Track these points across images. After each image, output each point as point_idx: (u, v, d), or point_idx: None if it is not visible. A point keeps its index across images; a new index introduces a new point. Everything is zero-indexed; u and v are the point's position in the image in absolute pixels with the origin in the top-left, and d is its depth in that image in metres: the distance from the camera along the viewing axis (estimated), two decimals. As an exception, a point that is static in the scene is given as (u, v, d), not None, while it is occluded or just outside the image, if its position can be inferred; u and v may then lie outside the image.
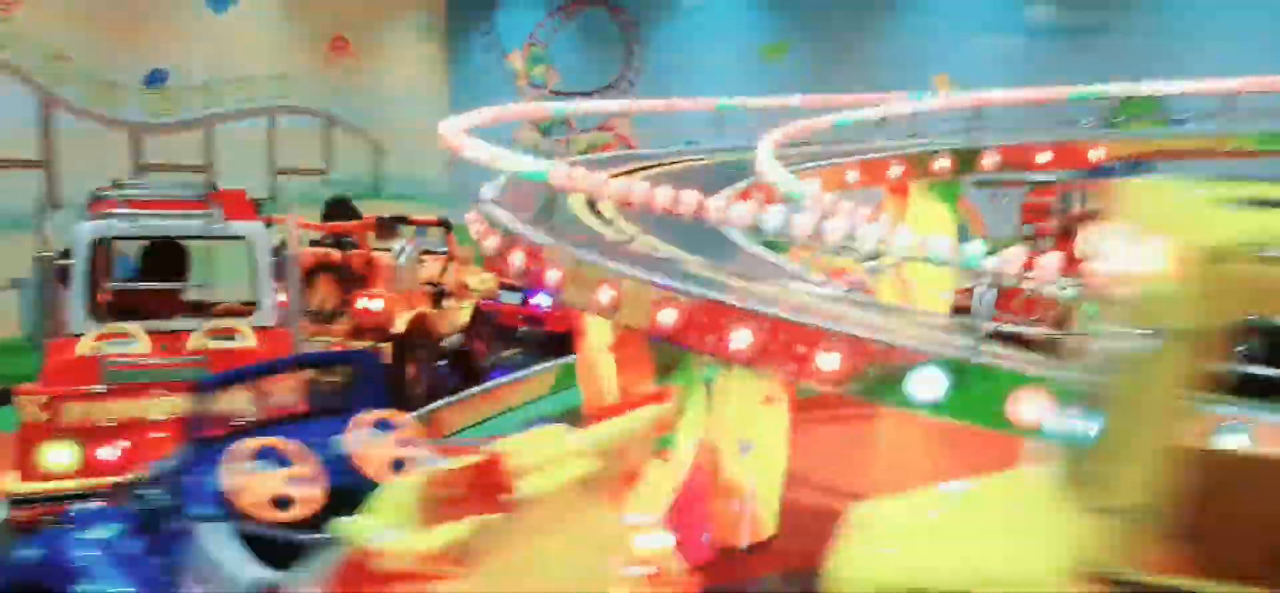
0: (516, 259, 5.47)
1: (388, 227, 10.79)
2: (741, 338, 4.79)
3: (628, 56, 17.56)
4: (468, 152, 6.28)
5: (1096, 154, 10.46)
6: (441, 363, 10.31)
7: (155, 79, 13.98)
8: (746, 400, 5.88)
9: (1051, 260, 4.45)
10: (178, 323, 6.09)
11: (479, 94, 16.37)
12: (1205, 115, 10.35)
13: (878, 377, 4.57)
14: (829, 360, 4.63)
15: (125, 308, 6.36)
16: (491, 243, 5.89)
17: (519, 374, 10.17)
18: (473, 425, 8.81)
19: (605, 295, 5.07)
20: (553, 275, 5.18)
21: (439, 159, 15.53)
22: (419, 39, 18.09)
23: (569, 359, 9.59)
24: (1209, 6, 13.35)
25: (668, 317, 4.93)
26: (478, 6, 18.31)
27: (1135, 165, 11.17)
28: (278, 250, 6.25)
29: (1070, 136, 10.58)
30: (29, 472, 5.34)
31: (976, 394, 4.42)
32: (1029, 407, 4.35)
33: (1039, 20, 14.50)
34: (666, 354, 5.33)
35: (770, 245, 5.98)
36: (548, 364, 10.44)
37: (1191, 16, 13.39)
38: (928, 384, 4.47)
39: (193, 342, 5.79)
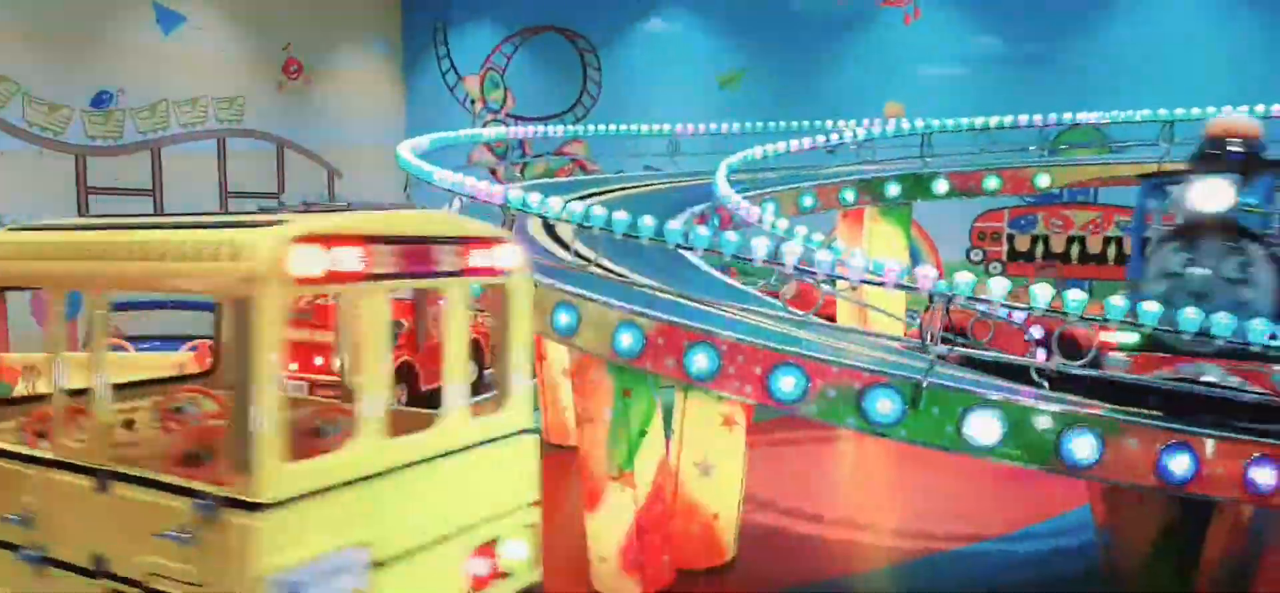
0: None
1: None
2: (700, 360, 4.83)
3: (585, 82, 17.64)
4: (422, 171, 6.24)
5: (1042, 180, 10.75)
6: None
7: (101, 100, 13.68)
8: (705, 423, 5.90)
9: (1001, 284, 4.56)
10: None
11: (435, 118, 16.31)
12: (1143, 143, 10.70)
13: (835, 398, 4.64)
14: (787, 382, 4.68)
15: None
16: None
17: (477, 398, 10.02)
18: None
19: (563, 319, 5.07)
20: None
21: (395, 182, 15.42)
22: (375, 62, 17.98)
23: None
24: (1146, 39, 13.82)
25: (627, 340, 4.95)
26: (434, 31, 18.27)
27: (1080, 191, 11.50)
28: None
29: (1018, 163, 10.86)
30: None
31: (930, 416, 4.51)
32: (983, 428, 4.45)
33: (986, 51, 14.89)
34: (627, 377, 5.33)
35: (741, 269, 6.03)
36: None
37: (1130, 48, 13.84)
38: (884, 405, 4.54)
39: None
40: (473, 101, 18.29)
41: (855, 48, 15.70)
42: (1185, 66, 12.95)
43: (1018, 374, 4.81)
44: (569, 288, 5.07)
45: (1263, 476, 4.25)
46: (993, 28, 14.58)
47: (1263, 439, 4.31)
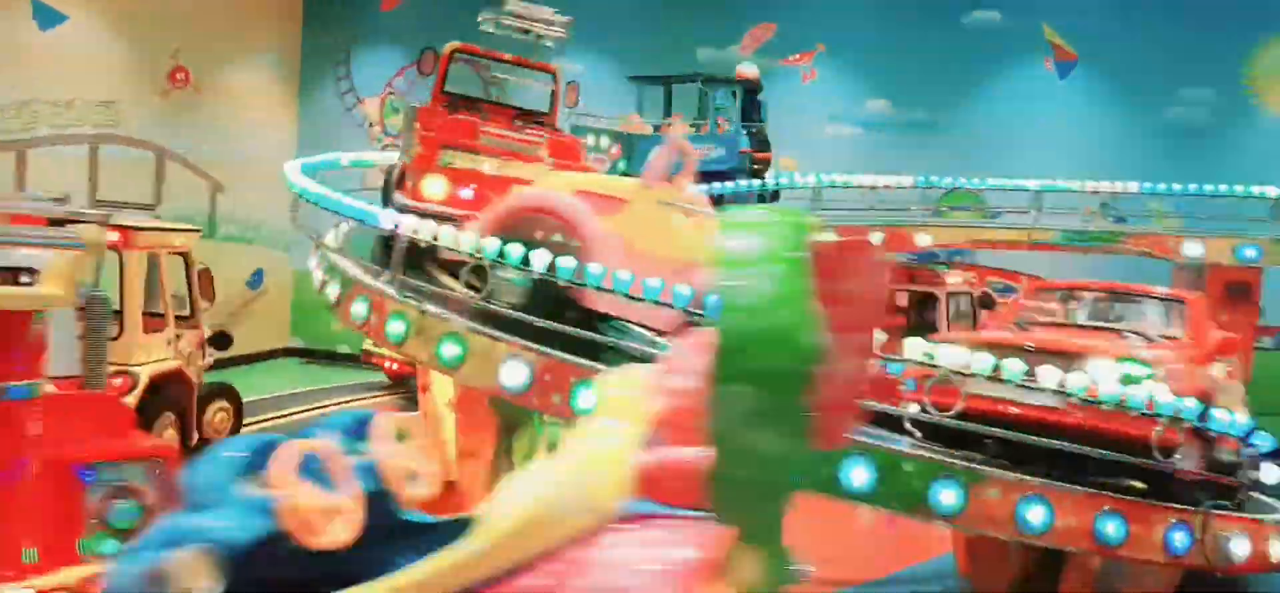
0: (359, 309, 5.30)
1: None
2: (587, 398, 4.81)
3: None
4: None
5: (923, 240, 11.27)
6: None
7: (-37, 97, 12.80)
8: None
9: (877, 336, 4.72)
10: None
11: (329, 138, 15.88)
12: (1016, 210, 11.37)
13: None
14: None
15: None
16: (333, 290, 5.69)
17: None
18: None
19: (449, 350, 4.99)
20: (396, 328, 5.05)
21: (283, 201, 14.90)
22: (269, 78, 17.41)
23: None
24: (1024, 111, 14.72)
25: (514, 374, 4.89)
26: (334, 50, 17.84)
27: (955, 252, 12.11)
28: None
29: (901, 222, 11.34)
30: None
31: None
32: (856, 475, 4.58)
33: (877, 114, 15.54)
34: (511, 412, 5.27)
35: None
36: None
37: (1009, 119, 14.68)
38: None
39: None
40: (370, 125, 17.92)
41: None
42: (1055, 142, 13.84)
43: (894, 423, 4.98)
44: (456, 319, 5.00)
45: (1112, 528, 4.52)
46: (884, 92, 15.25)
47: (1113, 493, 4.60)
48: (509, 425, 5.55)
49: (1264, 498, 5.23)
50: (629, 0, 17.43)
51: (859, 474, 4.53)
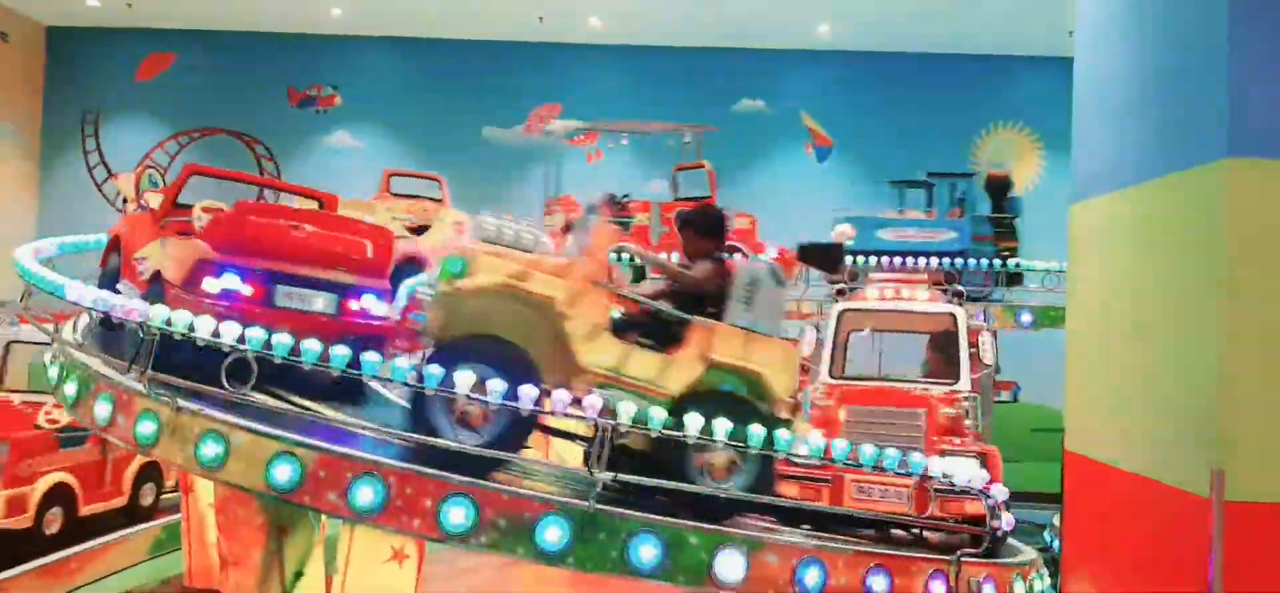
0: (102, 410, 4.76)
1: None
2: (365, 494, 4.56)
3: (261, 191, 16.63)
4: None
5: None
6: None
7: None
8: (373, 558, 5.55)
9: (659, 413, 4.82)
10: None
11: (77, 216, 14.46)
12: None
13: (506, 528, 4.58)
14: (457, 514, 4.56)
15: None
16: (71, 388, 5.08)
17: (107, 537, 8.69)
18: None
19: (210, 450, 4.57)
20: (147, 427, 4.57)
21: (15, 287, 13.30)
22: (2, 151, 15.62)
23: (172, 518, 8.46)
24: (782, 190, 15.89)
25: (284, 473, 4.55)
26: (83, 119, 16.31)
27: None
28: None
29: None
30: None
31: (598, 542, 4.61)
32: (645, 552, 4.62)
33: (659, 193, 16.27)
34: (282, 513, 4.90)
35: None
36: (146, 525, 9.10)
37: (769, 197, 15.76)
38: (553, 534, 4.57)
39: None
40: (125, 201, 16.44)
41: (539, 178, 16.41)
42: (805, 211, 14.99)
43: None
44: (217, 415, 4.60)
45: (880, 583, 4.81)
46: (663, 172, 15.98)
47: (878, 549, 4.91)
48: (280, 526, 5.15)
49: (1014, 542, 5.78)
50: (411, 80, 17.28)
51: (649, 551, 4.58)
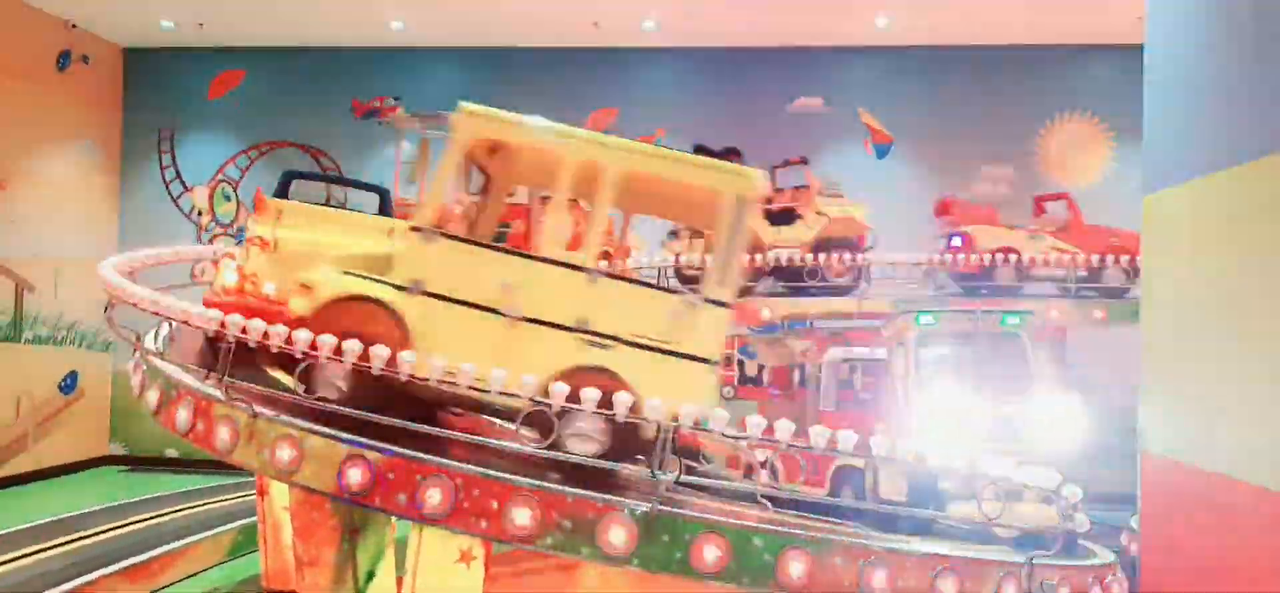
0: (182, 415, 4.95)
1: None
2: (433, 496, 4.66)
3: (327, 199, 17.04)
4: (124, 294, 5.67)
5: (764, 313, 11.80)
6: None
7: None
8: (441, 560, 5.65)
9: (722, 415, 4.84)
10: None
11: (155, 230, 15.02)
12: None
13: (570, 530, 4.63)
14: (521, 515, 4.63)
15: None
16: (153, 396, 5.29)
17: (190, 539, 9.01)
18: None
19: (285, 454, 4.72)
20: (224, 434, 4.74)
21: (99, 300, 13.88)
22: (85, 167, 16.29)
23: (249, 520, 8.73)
24: (849, 192, 15.71)
25: (355, 476, 4.68)
26: (160, 137, 16.95)
27: (797, 322, 12.73)
28: None
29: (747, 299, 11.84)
30: None
31: (661, 543, 4.62)
32: (711, 552, 4.62)
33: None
34: (354, 515, 5.03)
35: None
36: (225, 527, 9.42)
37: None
38: (617, 535, 4.60)
39: None
40: (200, 214, 17.03)
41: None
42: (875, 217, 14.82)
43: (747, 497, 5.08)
44: (289, 421, 4.75)
45: (946, 585, 4.73)
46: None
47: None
48: (353, 528, 5.28)
49: (1087, 545, 5.63)
50: (470, 89, 17.52)
51: (713, 553, 4.58)
